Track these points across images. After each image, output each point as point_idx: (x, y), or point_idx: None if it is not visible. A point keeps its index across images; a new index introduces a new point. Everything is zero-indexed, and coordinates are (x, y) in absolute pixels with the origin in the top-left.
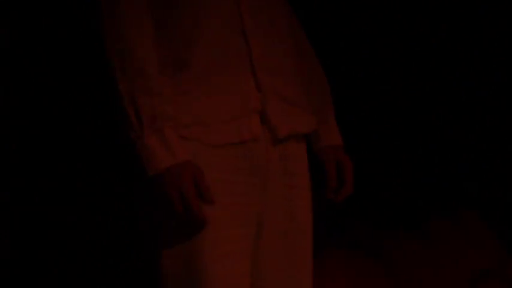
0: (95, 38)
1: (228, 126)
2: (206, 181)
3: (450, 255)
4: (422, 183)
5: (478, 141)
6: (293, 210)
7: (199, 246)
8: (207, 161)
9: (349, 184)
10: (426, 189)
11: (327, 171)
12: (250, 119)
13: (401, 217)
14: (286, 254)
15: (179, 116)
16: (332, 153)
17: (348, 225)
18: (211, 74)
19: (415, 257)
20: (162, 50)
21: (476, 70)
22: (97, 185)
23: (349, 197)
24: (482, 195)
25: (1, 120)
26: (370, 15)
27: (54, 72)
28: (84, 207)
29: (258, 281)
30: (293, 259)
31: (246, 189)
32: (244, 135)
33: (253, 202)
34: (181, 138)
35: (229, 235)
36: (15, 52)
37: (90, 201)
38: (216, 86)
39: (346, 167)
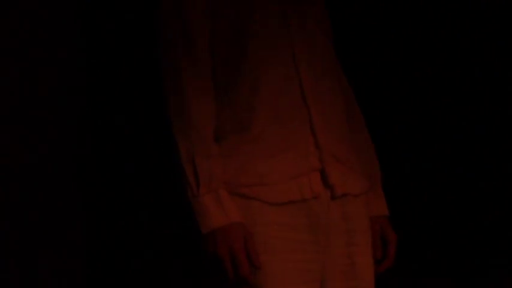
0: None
1: (289, 185)
2: (255, 245)
3: None
4: (504, 238)
5: None
6: (354, 268)
7: None
8: (266, 218)
9: (391, 258)
10: (507, 244)
11: (372, 242)
12: (310, 177)
13: (481, 272)
14: None
15: (238, 176)
16: (378, 225)
17: (427, 283)
18: (271, 135)
19: None
20: (223, 113)
21: None
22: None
23: (428, 255)
24: None
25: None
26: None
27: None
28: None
29: None
30: None
31: (306, 247)
32: (306, 193)
33: (314, 259)
34: (239, 196)
35: None
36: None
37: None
38: (275, 146)
39: (391, 241)
